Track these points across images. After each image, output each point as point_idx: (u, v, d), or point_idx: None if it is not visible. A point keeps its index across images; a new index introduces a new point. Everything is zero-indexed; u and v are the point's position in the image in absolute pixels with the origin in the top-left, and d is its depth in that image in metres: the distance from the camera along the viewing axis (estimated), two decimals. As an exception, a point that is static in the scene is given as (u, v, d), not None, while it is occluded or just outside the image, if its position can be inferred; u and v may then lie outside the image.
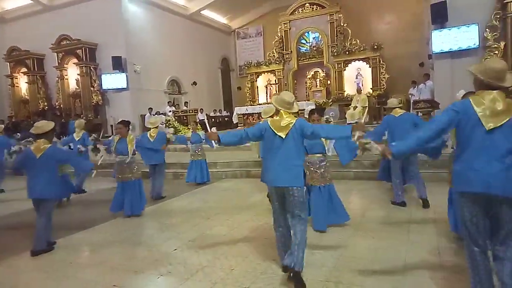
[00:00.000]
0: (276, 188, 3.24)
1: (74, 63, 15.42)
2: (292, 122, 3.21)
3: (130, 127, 6.00)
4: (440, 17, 9.90)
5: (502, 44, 9.37)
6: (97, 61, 15.40)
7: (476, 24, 9.52)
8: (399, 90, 15.48)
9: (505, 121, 2.26)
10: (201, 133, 8.24)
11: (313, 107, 13.98)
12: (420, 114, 11.06)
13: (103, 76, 15.05)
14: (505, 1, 9.10)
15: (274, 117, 3.37)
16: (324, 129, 3.34)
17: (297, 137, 3.21)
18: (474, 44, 9.62)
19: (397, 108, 5.57)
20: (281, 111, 3.29)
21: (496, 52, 9.44)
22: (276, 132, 3.23)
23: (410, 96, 13.29)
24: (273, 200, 3.35)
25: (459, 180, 2.40)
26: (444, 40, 10.00)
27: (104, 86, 15.12)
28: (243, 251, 3.94)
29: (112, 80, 14.96)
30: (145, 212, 5.86)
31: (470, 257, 2.45)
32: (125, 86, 14.88)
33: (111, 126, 15.01)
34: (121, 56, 14.52)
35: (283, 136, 3.20)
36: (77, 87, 15.75)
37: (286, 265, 3.09)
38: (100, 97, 15.19)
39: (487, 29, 9.51)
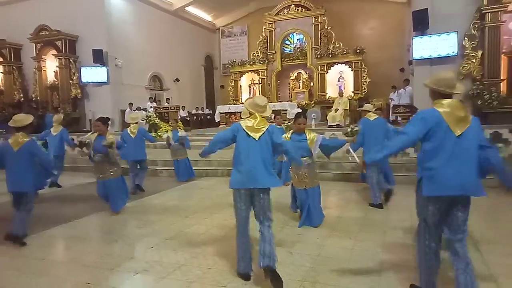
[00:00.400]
0: (246, 191, 3.25)
1: (53, 55, 15.00)
2: (265, 127, 3.33)
3: (109, 123, 5.86)
4: (421, 24, 10.15)
5: (479, 53, 9.69)
6: (77, 54, 15.02)
7: (456, 32, 9.81)
8: (380, 94, 15.77)
9: (467, 127, 2.47)
10: (181, 132, 8.19)
11: (298, 109, 14.10)
12: (399, 118, 11.35)
13: (83, 69, 14.70)
14: (483, 12, 9.40)
15: (247, 120, 3.42)
16: (289, 147, 3.61)
17: (268, 141, 3.32)
18: (453, 52, 9.91)
19: (371, 112, 5.83)
20: (255, 114, 3.39)
21: (474, 60, 9.76)
22: (249, 133, 3.29)
23: (390, 100, 13.57)
24: (239, 206, 3.32)
25: (432, 184, 2.50)
26: (424, 46, 10.26)
27: (84, 79, 14.76)
28: (221, 250, 3.92)
29: (92, 74, 14.62)
30: (123, 209, 5.75)
31: (426, 253, 2.67)
32: (105, 80, 14.57)
33: (90, 120, 14.69)
34: (102, 50, 14.21)
35: (257, 138, 3.27)
36: (55, 80, 15.33)
37: (266, 266, 3.09)
38: (79, 91, 14.82)
39: (465, 38, 9.82)
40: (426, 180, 2.53)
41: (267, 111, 3.48)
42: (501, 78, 9.56)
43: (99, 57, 14.16)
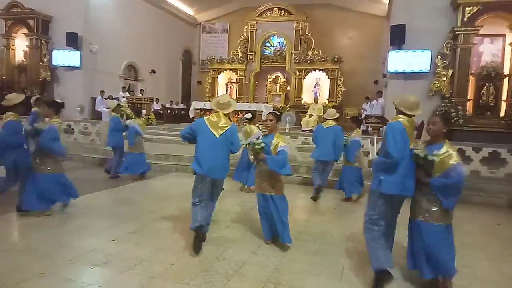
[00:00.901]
0: (209, 179, 3.82)
1: (23, 34, 14.31)
2: (227, 126, 3.81)
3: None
4: (398, 39, 10.44)
5: (450, 71, 10.09)
6: (50, 35, 14.41)
7: (429, 50, 10.15)
8: (353, 103, 16.13)
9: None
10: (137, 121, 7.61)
11: (271, 109, 14.16)
12: (370, 128, 11.62)
13: (54, 52, 14.11)
14: (456, 32, 9.80)
15: (211, 116, 3.84)
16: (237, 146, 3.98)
17: (228, 139, 3.80)
18: (426, 69, 10.25)
19: (329, 120, 6.39)
20: (219, 112, 3.83)
21: (444, 78, 10.15)
22: (211, 129, 3.76)
23: (362, 110, 13.89)
24: (197, 184, 3.91)
25: (391, 184, 3.04)
26: (399, 61, 10.56)
27: (55, 62, 14.18)
28: (186, 247, 3.85)
29: (64, 57, 14.07)
30: (85, 199, 5.56)
31: (375, 236, 3.21)
32: (78, 65, 14.05)
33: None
34: (77, 33, 13.70)
35: (217, 136, 3.76)
36: (24, 60, 14.64)
37: (201, 225, 3.78)
38: (49, 73, 14.21)
39: (438, 56, 10.19)
40: (386, 180, 3.10)
41: (229, 108, 3.88)
42: (468, 97, 9.98)
43: (73, 41, 13.65)
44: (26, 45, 14.40)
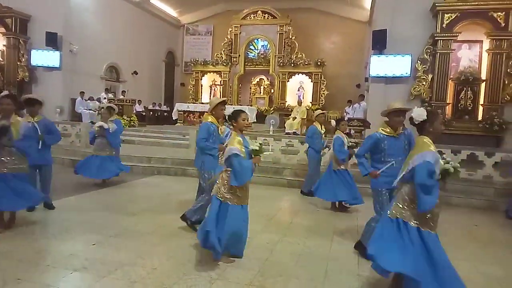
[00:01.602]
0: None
1: (0, 33, 13.90)
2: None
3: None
4: (379, 44, 10.61)
5: (429, 76, 10.32)
6: (29, 35, 14.04)
7: (410, 54, 10.37)
8: (336, 107, 16.33)
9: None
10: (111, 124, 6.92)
11: (255, 112, 14.19)
12: (352, 131, 11.76)
13: (33, 52, 13.75)
14: (436, 38, 10.04)
15: (210, 117, 4.43)
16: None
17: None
18: (406, 73, 10.46)
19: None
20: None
21: (424, 83, 10.38)
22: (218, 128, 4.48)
23: (345, 113, 14.06)
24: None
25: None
26: (380, 65, 10.73)
27: (34, 63, 13.81)
28: (168, 251, 3.80)
29: (43, 57, 13.73)
30: (64, 203, 5.42)
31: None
32: (57, 66, 13.72)
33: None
34: (56, 33, 13.39)
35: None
36: (1, 59, 14.21)
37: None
38: (27, 74, 13.84)
39: (418, 61, 10.42)
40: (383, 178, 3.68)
41: (210, 107, 4.53)
42: (447, 102, 10.23)
43: (52, 41, 13.33)
44: (4, 45, 13.97)
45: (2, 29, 13.78)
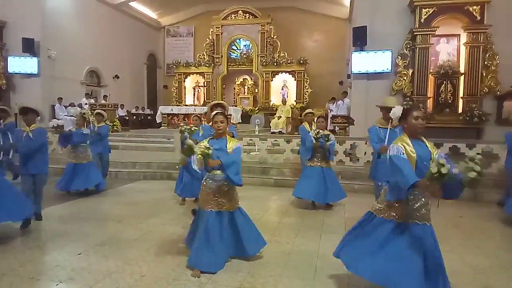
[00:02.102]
0: None
1: (-26, 40, 13.53)
2: None
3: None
4: (360, 41, 10.72)
5: (410, 71, 10.48)
6: (4, 41, 13.68)
7: (390, 50, 10.50)
8: (320, 104, 16.42)
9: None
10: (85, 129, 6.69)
11: (240, 112, 14.17)
12: (337, 128, 11.86)
13: (10, 58, 13.40)
14: (415, 33, 10.21)
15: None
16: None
17: None
18: (387, 69, 10.58)
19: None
20: None
21: (405, 78, 10.53)
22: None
23: (328, 111, 14.18)
24: None
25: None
26: (362, 61, 10.83)
27: (11, 70, 13.46)
28: (156, 257, 3.75)
29: (20, 64, 13.39)
30: (48, 212, 5.29)
31: None
32: (35, 72, 13.41)
33: (15, 114, 13.40)
34: (33, 39, 13.07)
35: None
36: (-24, 67, 13.82)
37: None
38: (4, 81, 13.49)
39: (399, 56, 10.56)
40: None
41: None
42: (428, 95, 10.41)
43: (29, 47, 13.02)
44: (-22, 52, 13.60)
45: (-24, 36, 13.40)
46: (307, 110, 7.29)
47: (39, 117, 5.09)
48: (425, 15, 10.10)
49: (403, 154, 2.68)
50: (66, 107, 13.81)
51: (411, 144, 2.76)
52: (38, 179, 4.96)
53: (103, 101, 15.28)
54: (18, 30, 13.28)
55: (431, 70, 10.41)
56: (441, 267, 2.72)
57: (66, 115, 13.42)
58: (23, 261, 3.58)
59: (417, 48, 10.27)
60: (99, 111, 7.52)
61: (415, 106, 3.31)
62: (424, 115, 2.99)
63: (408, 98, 10.46)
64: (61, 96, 13.75)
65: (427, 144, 2.85)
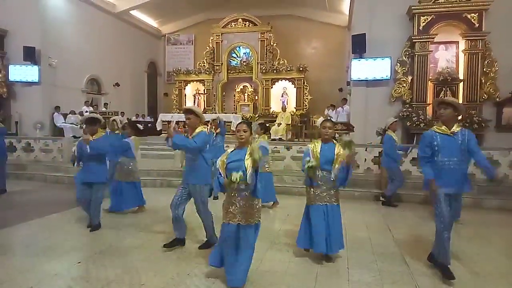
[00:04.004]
0: None
1: (-25, 48, 13.61)
2: None
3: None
4: (359, 48, 10.79)
5: (409, 78, 10.53)
6: (5, 50, 13.76)
7: (389, 57, 10.56)
8: (320, 111, 16.41)
9: None
10: None
11: (239, 119, 14.16)
12: (337, 135, 11.85)
13: (11, 67, 13.47)
14: (414, 41, 10.27)
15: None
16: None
17: None
18: (386, 76, 10.64)
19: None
20: None
21: (404, 85, 10.58)
22: None
23: (328, 117, 14.18)
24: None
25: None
26: (361, 69, 10.90)
27: (12, 78, 13.52)
28: (156, 265, 3.73)
29: (21, 72, 13.45)
30: (47, 221, 5.28)
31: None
32: (36, 80, 13.47)
33: (16, 122, 13.48)
34: (34, 47, 13.16)
35: None
36: (-23, 76, 13.89)
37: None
38: (5, 90, 13.54)
39: (398, 63, 10.63)
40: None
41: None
42: (428, 102, 10.43)
43: (30, 55, 13.09)
44: (-21, 61, 13.68)
45: (-23, 45, 13.48)
46: (391, 118, 7.12)
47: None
48: (423, 22, 10.19)
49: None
50: (65, 115, 13.85)
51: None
52: (95, 189, 4.91)
53: (103, 109, 15.32)
54: (19, 38, 13.36)
55: (430, 77, 10.47)
56: None
57: (64, 123, 13.47)
58: (22, 270, 3.57)
59: (416, 55, 10.33)
60: (113, 117, 7.02)
61: (325, 119, 4.14)
62: (330, 125, 4.02)
63: (407, 105, 10.49)
64: (61, 105, 13.78)
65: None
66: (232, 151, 3.39)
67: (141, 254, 4.06)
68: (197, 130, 4.05)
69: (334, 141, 4.03)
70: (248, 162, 3.13)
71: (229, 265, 3.22)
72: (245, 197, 3.22)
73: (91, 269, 3.62)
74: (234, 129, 3.57)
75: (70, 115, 13.87)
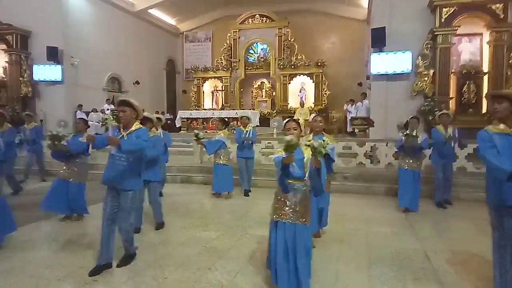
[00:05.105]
0: None
1: (2, 50, 14.05)
2: None
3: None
4: (378, 42, 10.61)
5: (431, 71, 10.28)
6: (30, 50, 14.18)
7: (410, 51, 10.34)
8: (339, 106, 16.29)
9: None
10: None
11: (258, 116, 14.22)
12: (356, 130, 11.74)
13: (35, 67, 13.88)
14: (435, 33, 10.02)
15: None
16: None
17: None
18: (407, 69, 10.43)
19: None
20: None
21: (426, 78, 10.34)
22: None
23: (347, 113, 14.07)
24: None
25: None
26: (381, 63, 10.72)
27: (36, 77, 13.94)
28: (177, 259, 3.79)
29: (45, 72, 13.85)
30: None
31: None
32: (59, 79, 13.84)
33: (41, 120, 13.88)
34: (57, 47, 13.51)
35: None
36: (4, 76, 14.35)
37: None
38: (30, 89, 13.97)
39: (419, 57, 10.39)
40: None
41: None
42: (450, 96, 10.18)
43: (53, 55, 13.45)
44: (6, 61, 14.12)
45: (4, 46, 13.92)
46: (443, 111, 6.61)
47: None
48: (445, 14, 9.92)
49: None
50: (87, 113, 14.18)
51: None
52: (152, 187, 4.85)
53: (124, 107, 15.58)
54: (42, 39, 13.74)
55: (453, 70, 10.21)
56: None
57: (90, 120, 13.79)
58: (49, 264, 3.69)
59: (438, 48, 10.08)
60: (158, 116, 6.81)
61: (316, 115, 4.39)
62: (321, 119, 4.31)
63: (429, 99, 10.26)
64: (83, 103, 14.11)
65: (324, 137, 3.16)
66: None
67: (163, 249, 4.13)
68: (136, 127, 3.57)
69: (324, 133, 4.32)
70: (307, 160, 2.95)
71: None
72: (302, 196, 3.00)
73: (115, 263, 3.70)
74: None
75: (92, 113, 14.19)
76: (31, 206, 6.11)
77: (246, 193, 6.95)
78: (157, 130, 5.61)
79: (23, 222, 5.02)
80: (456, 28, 9.94)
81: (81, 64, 14.51)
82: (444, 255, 3.94)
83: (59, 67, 13.74)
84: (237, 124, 6.84)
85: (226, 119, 7.80)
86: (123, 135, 3.50)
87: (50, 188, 5.22)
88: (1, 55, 14.25)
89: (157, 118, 6.52)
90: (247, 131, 6.99)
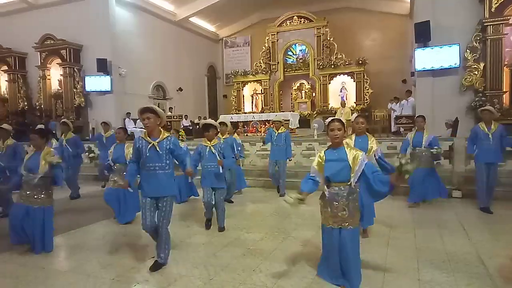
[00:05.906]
0: None
1: (57, 64, 15.13)
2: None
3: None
4: (423, 36, 10.20)
5: (481, 65, 9.71)
6: (81, 63, 15.15)
7: (458, 44, 9.84)
8: (383, 105, 15.80)
9: None
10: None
11: (298, 117, 14.16)
12: (402, 129, 11.34)
13: (86, 78, 14.82)
14: (485, 24, 9.45)
15: None
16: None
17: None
18: (455, 64, 9.93)
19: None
20: None
21: (476, 72, 9.78)
22: None
23: (392, 111, 13.61)
24: None
25: None
26: (426, 58, 10.29)
27: (88, 88, 14.87)
28: (222, 261, 3.88)
29: (96, 82, 14.74)
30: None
31: None
32: (109, 89, 14.66)
33: (93, 129, 14.75)
34: (106, 59, 14.33)
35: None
36: (59, 88, 15.43)
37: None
38: (82, 99, 14.93)
39: (467, 50, 9.85)
40: None
41: None
42: (504, 90, 9.55)
43: (103, 66, 14.28)
44: (60, 74, 15.18)
45: (58, 60, 14.98)
46: (484, 107, 6.02)
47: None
48: (496, 3, 9.34)
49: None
50: (135, 120, 14.85)
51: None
52: (218, 192, 5.02)
53: (169, 113, 16.18)
54: (92, 51, 14.64)
55: (505, 63, 9.58)
56: None
57: (135, 127, 14.44)
58: (104, 264, 3.92)
59: (489, 40, 9.50)
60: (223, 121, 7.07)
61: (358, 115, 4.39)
62: (363, 120, 4.37)
63: (480, 94, 9.69)
64: (131, 110, 14.81)
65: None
66: (326, 150, 3.22)
67: (209, 250, 4.25)
68: (165, 135, 3.57)
69: (367, 134, 4.36)
70: (352, 162, 3.00)
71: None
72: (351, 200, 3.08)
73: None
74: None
75: (139, 120, 14.84)
76: (88, 209, 6.53)
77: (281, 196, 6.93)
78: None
79: (80, 224, 5.39)
80: (508, 17, 9.31)
81: (128, 73, 15.26)
82: (499, 259, 3.72)
83: (108, 77, 14.54)
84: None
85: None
86: (153, 144, 3.49)
87: (104, 196, 5.58)
88: (57, 69, 15.34)
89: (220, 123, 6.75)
90: (279, 133, 7.13)
